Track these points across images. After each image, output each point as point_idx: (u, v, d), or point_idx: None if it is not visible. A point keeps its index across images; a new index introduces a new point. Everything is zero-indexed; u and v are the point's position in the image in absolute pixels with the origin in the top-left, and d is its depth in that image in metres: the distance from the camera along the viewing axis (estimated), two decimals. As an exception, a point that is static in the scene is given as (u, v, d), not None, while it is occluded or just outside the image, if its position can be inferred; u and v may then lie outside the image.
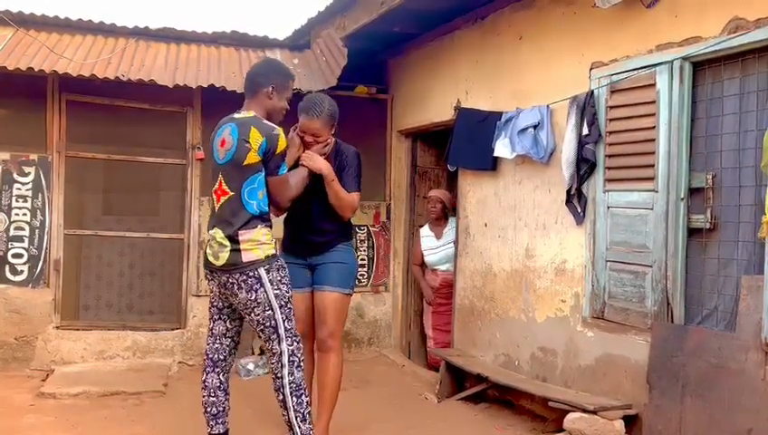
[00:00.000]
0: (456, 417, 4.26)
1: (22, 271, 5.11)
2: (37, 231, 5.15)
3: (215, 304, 3.21)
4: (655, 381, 3.34)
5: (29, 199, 5.13)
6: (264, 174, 3.03)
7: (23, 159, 5.12)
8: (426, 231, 5.52)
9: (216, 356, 3.21)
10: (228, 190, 3.03)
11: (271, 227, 3.10)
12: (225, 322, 3.21)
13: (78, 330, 5.24)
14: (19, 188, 5.11)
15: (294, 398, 3.05)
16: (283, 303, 3.05)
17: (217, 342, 3.22)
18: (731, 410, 2.99)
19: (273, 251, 3.07)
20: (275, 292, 3.02)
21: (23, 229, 5.12)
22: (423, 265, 5.54)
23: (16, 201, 5.11)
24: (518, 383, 4.11)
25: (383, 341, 6.10)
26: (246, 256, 2.98)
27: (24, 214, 5.12)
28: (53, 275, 5.18)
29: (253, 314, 3.04)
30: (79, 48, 5.28)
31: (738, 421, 2.95)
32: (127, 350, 5.30)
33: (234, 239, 2.99)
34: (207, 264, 3.12)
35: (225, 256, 3.00)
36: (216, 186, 3.08)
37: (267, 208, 3.07)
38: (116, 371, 4.98)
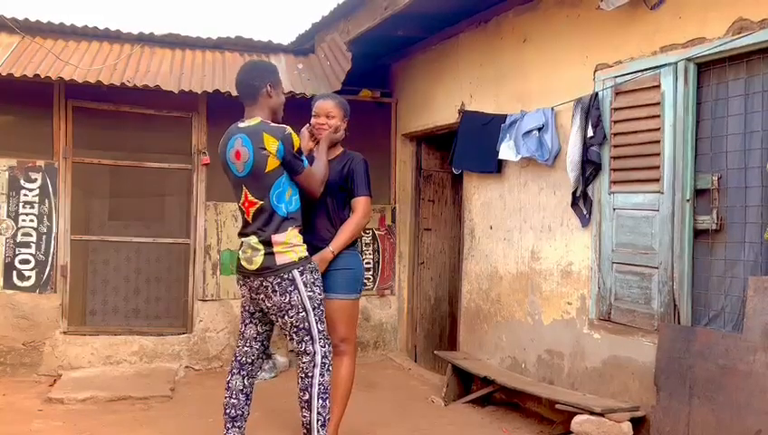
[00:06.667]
0: (463, 420, 4.26)
1: (29, 277, 5.14)
2: (44, 237, 5.17)
3: (246, 308, 3.25)
4: (662, 382, 3.33)
5: (36, 205, 5.16)
6: (285, 176, 3.04)
7: (29, 166, 5.14)
8: None
9: (243, 359, 3.25)
10: (256, 200, 3.04)
11: (301, 227, 3.12)
12: (255, 326, 3.24)
13: (85, 335, 5.26)
14: (26, 195, 5.14)
15: (320, 400, 3.08)
16: (315, 305, 3.08)
17: (247, 345, 3.25)
18: (739, 411, 2.98)
19: (306, 253, 3.09)
20: (309, 294, 3.05)
21: (30, 235, 5.14)
22: None
23: (23, 207, 5.13)
24: (525, 386, 4.11)
25: (389, 344, 6.10)
26: (280, 259, 3.01)
27: (31, 220, 5.15)
28: (60, 281, 5.21)
29: (286, 317, 3.06)
30: (85, 55, 5.31)
31: (747, 423, 2.94)
32: (134, 355, 5.32)
33: (267, 243, 3.02)
34: (240, 269, 3.15)
35: (259, 259, 3.03)
36: (243, 198, 3.08)
37: (295, 208, 3.09)
38: (123, 375, 5.00)
